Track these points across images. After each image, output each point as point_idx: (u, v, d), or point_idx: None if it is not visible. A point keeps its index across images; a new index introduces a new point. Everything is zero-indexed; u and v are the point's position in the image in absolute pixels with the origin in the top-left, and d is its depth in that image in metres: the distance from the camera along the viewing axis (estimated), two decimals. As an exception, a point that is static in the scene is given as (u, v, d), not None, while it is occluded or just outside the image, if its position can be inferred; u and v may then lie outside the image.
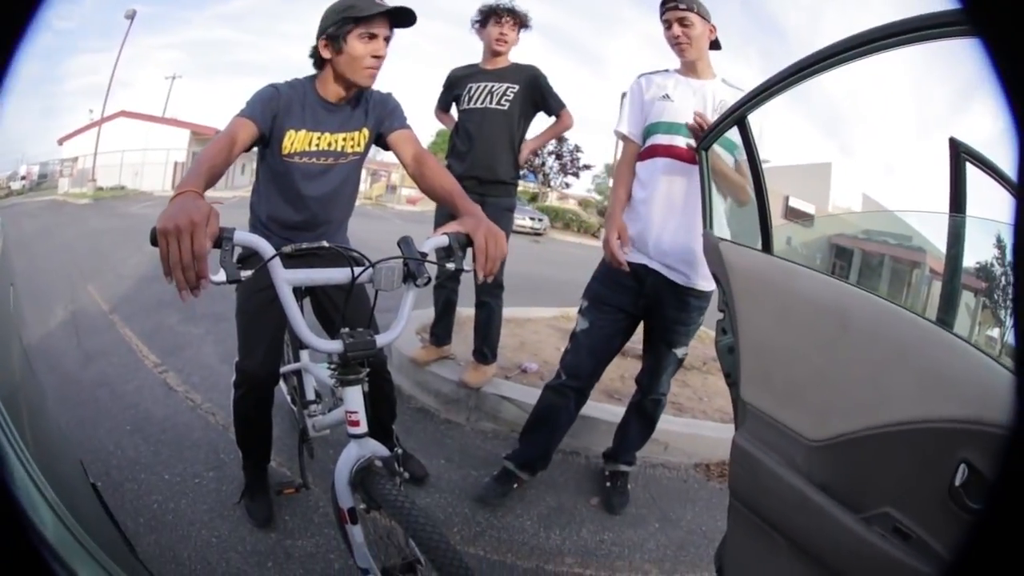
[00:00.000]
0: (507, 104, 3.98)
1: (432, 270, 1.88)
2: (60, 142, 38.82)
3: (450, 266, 1.91)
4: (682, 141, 2.87)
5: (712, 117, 2.70)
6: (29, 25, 0.79)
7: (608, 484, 3.43)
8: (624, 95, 3.20)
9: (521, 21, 4.00)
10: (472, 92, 4.03)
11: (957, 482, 1.22)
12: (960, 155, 1.79)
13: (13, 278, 2.17)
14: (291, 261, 1.78)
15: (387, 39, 2.40)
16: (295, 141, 2.48)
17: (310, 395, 3.08)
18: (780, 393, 1.80)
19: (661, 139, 2.94)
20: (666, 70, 3.07)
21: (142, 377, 4.45)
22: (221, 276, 1.57)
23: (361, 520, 1.94)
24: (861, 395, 1.54)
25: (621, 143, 3.20)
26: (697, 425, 4.11)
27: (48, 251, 10.13)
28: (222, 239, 1.57)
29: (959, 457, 1.23)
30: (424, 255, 1.85)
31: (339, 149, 2.56)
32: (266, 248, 1.71)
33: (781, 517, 1.70)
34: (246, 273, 1.61)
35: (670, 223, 2.90)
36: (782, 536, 1.70)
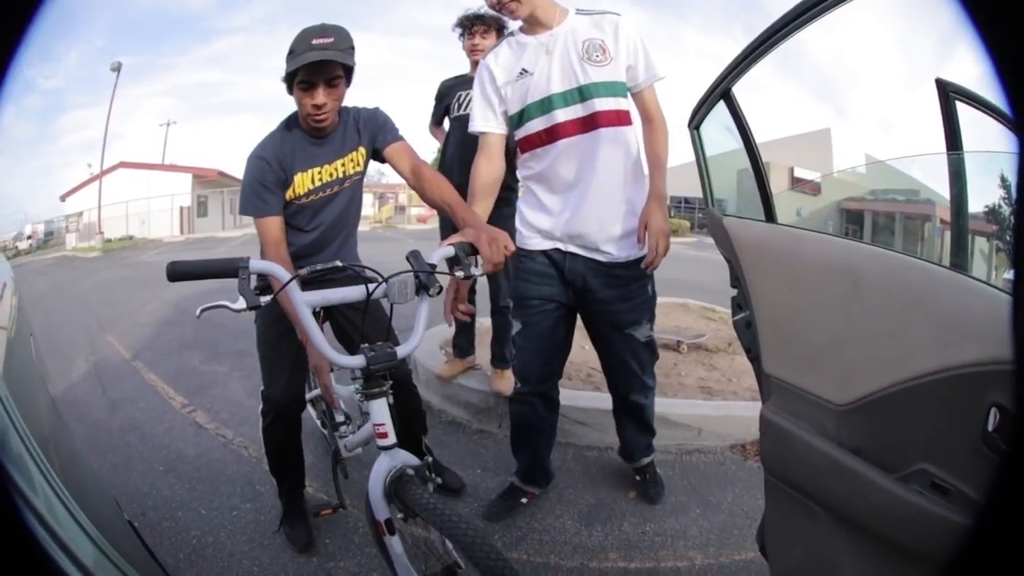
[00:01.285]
0: None
1: (443, 280, 1.92)
2: (62, 198, 39.07)
3: (459, 274, 1.95)
4: (561, 115, 2.57)
5: (581, 63, 2.52)
6: (29, 26, 0.79)
7: (638, 478, 3.35)
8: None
9: (495, 25, 3.97)
10: (461, 99, 4.03)
11: (990, 427, 1.20)
12: (948, 94, 1.78)
13: (32, 329, 2.19)
14: (306, 285, 1.80)
15: (334, 80, 2.37)
16: (297, 185, 2.53)
17: (339, 417, 3.08)
18: (802, 361, 1.78)
19: (537, 123, 2.63)
20: (510, 34, 2.76)
21: (171, 419, 4.47)
22: (241, 304, 1.63)
23: (398, 531, 1.94)
24: (882, 352, 1.52)
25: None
26: (728, 407, 4.09)
27: (64, 305, 10.25)
28: (238, 268, 1.63)
29: (989, 401, 1.20)
30: (434, 266, 1.89)
31: (341, 175, 2.61)
32: (282, 273, 1.76)
33: (817, 486, 1.68)
34: (265, 299, 1.67)
35: (575, 204, 2.64)
36: (820, 505, 1.68)
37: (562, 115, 2.56)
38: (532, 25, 2.59)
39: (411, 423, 2.84)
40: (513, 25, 2.72)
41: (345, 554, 2.76)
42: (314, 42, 2.25)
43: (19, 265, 19.21)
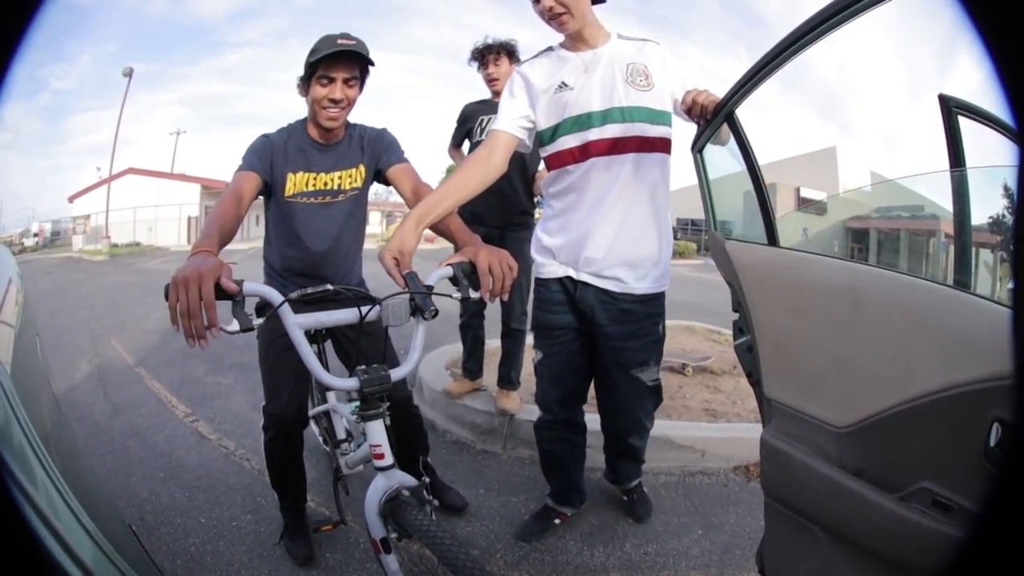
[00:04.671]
0: None
1: (439, 302, 1.89)
2: (71, 200, 39.55)
3: (456, 295, 1.94)
4: (595, 134, 2.45)
5: (625, 85, 2.43)
6: (29, 27, 0.78)
7: (625, 498, 3.32)
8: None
9: (504, 52, 4.03)
10: (484, 124, 4.07)
11: (992, 442, 1.20)
12: (951, 110, 1.78)
13: (38, 329, 2.19)
14: (305, 306, 1.81)
15: (351, 80, 2.47)
16: (295, 183, 2.57)
17: (340, 434, 3.09)
18: (803, 385, 1.78)
19: (570, 140, 2.50)
20: (549, 48, 2.61)
21: (173, 427, 4.47)
22: (235, 326, 1.63)
23: (395, 549, 1.94)
24: (884, 373, 1.52)
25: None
26: (732, 428, 4.08)
27: (69, 307, 10.38)
28: (232, 290, 1.64)
29: (991, 417, 1.20)
30: (430, 288, 1.88)
31: (336, 187, 2.63)
32: (275, 296, 1.76)
33: (817, 508, 1.67)
34: (258, 321, 1.69)
35: (598, 229, 2.51)
36: (820, 528, 1.67)
37: (597, 133, 2.45)
38: (576, 42, 2.50)
39: (411, 444, 2.83)
40: (554, 41, 2.61)
41: (345, 569, 2.75)
42: (339, 41, 2.37)
43: (25, 262, 19.33)
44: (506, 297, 1.94)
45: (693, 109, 2.25)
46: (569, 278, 2.63)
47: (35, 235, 35.60)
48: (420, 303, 1.85)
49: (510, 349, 4.27)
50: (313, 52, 2.39)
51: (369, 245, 2.89)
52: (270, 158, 2.52)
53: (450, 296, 1.93)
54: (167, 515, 3.13)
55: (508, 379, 4.29)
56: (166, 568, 2.57)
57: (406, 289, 1.85)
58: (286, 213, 2.60)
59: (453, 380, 4.72)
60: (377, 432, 1.90)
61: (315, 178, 2.59)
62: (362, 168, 2.65)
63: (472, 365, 4.55)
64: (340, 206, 2.66)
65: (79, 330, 8.14)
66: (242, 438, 4.18)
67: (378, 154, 2.65)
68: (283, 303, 1.75)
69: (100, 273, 18.23)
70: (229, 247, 1.98)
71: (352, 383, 1.82)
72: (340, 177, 2.62)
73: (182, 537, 2.93)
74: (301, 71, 2.50)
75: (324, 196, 2.62)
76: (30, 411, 1.18)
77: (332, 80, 2.42)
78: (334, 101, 2.44)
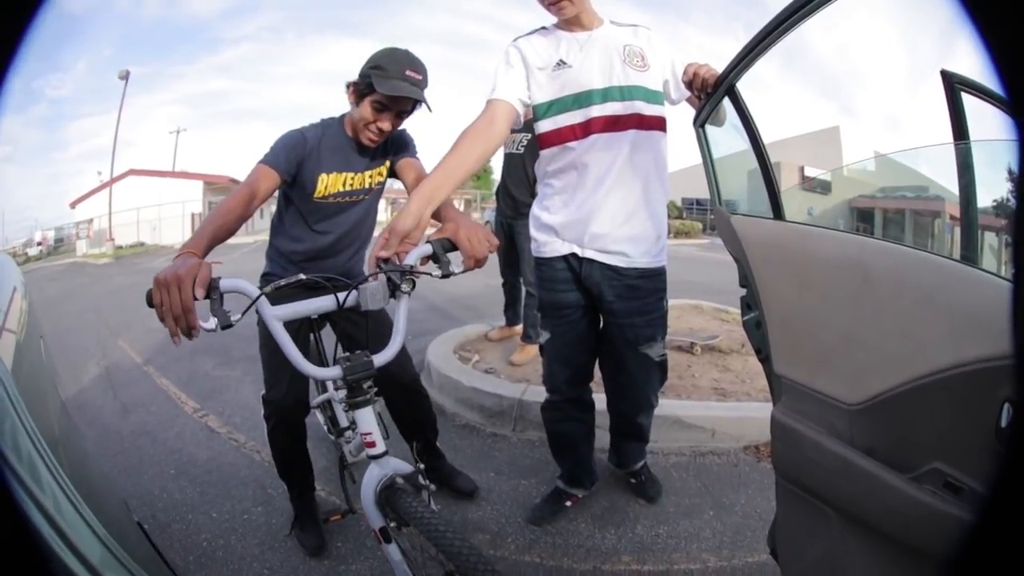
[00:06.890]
0: (522, 149, 4.90)
1: (424, 279, 1.90)
2: (72, 205, 39.52)
3: (437, 273, 1.91)
4: (597, 110, 2.46)
5: (623, 65, 2.46)
6: (29, 26, 0.78)
7: (633, 480, 3.31)
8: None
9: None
10: (518, 140, 4.94)
11: (1004, 423, 1.17)
12: (954, 86, 1.76)
13: (42, 331, 2.20)
14: (289, 295, 1.82)
15: (403, 112, 2.47)
16: (328, 184, 2.56)
17: (343, 422, 3.08)
18: (813, 361, 1.76)
19: (572, 117, 2.50)
20: (544, 28, 2.60)
21: (183, 423, 4.48)
22: (212, 323, 1.64)
23: (396, 538, 1.93)
24: (894, 349, 1.49)
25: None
26: (742, 408, 4.06)
27: (75, 310, 10.33)
28: (210, 289, 1.64)
29: (1002, 396, 1.17)
30: (410, 267, 1.86)
31: (368, 186, 2.67)
32: (251, 290, 1.75)
33: (828, 488, 1.66)
34: (236, 317, 1.67)
35: (603, 205, 2.52)
36: (831, 507, 1.65)
37: (599, 110, 2.47)
38: (571, 25, 2.51)
39: (421, 426, 2.84)
40: (548, 22, 2.60)
41: (356, 558, 2.75)
42: (407, 73, 2.36)
43: (29, 271, 19.38)
44: (479, 267, 1.94)
45: (694, 82, 2.26)
46: (574, 255, 2.62)
47: (38, 244, 35.32)
48: (397, 281, 1.83)
49: (532, 306, 4.77)
50: (376, 68, 2.36)
51: (375, 232, 2.90)
52: (299, 157, 2.49)
53: (430, 275, 1.91)
54: (178, 511, 3.14)
55: (528, 336, 5.07)
56: (178, 565, 2.58)
57: (379, 270, 1.85)
58: (314, 210, 2.62)
59: (497, 328, 5.83)
60: (366, 420, 1.88)
61: (352, 178, 2.61)
62: (387, 164, 2.69)
63: (511, 313, 5.67)
64: (365, 202, 2.72)
65: (86, 333, 8.14)
66: (252, 430, 4.18)
67: (397, 151, 2.69)
68: (259, 296, 1.74)
69: (105, 275, 18.23)
70: (232, 241, 1.98)
71: (335, 372, 1.82)
72: (371, 176, 2.66)
73: (194, 532, 2.95)
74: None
75: (358, 195, 2.66)
76: (37, 416, 1.18)
77: (386, 109, 2.42)
78: (381, 130, 2.47)
